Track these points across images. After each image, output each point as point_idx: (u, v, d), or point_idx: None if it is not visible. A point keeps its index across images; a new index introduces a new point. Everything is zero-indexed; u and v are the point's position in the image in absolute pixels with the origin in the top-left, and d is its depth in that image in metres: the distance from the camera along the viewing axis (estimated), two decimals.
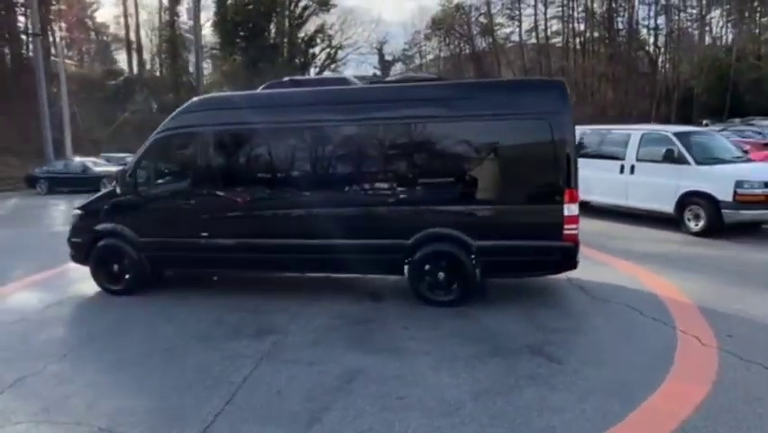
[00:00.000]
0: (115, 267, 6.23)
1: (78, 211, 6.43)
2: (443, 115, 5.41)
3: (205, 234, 5.92)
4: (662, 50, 60.97)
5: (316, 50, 53.09)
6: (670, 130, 9.52)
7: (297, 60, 49.31)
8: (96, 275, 6.34)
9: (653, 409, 3.48)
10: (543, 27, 54.21)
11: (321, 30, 52.45)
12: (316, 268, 6.05)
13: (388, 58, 75.05)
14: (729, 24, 66.03)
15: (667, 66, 57.30)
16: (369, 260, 5.65)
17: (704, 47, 59.47)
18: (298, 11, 47.18)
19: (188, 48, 41.77)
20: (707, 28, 66.45)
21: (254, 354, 4.54)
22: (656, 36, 60.87)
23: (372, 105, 5.58)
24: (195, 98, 6.30)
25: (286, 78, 6.52)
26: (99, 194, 6.57)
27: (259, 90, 6.24)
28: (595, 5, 55.58)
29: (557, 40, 55.99)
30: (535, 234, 5.29)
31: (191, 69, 42.54)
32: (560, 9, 54.25)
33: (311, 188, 5.69)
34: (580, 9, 57.28)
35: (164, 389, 3.96)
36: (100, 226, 6.21)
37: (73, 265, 7.66)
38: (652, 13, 61.28)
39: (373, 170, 5.61)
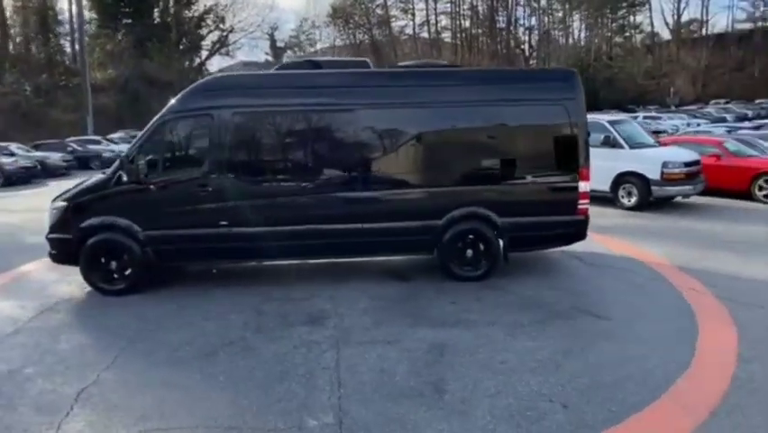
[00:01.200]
0: (113, 264, 5.56)
1: (61, 204, 5.58)
2: (474, 99, 5.69)
3: (224, 222, 5.54)
4: (535, 49, 67.41)
5: (205, 31, 49.90)
6: (603, 118, 10.82)
7: (184, 42, 45.90)
8: (88, 275, 5.60)
9: (711, 350, 4.14)
10: (434, 22, 56.91)
11: (210, 11, 49.33)
12: (348, 252, 5.98)
13: (279, 44, 73.08)
14: (585, 27, 75.08)
15: (537, 64, 63.70)
16: (402, 241, 5.77)
17: (568, 47, 66.91)
18: None
19: (62, 23, 36.66)
20: (569, 30, 74.79)
21: (325, 339, 4.47)
22: (530, 36, 67.12)
23: (406, 90, 5.66)
24: (208, 78, 5.81)
25: (299, 59, 6.27)
26: (88, 183, 5.75)
27: (273, 71, 5.95)
28: (478, 4, 59.66)
29: (447, 35, 59.11)
30: (553, 210, 5.83)
31: (68, 48, 37.41)
32: (449, 5, 57.37)
33: (343, 171, 5.63)
34: (465, 7, 61.03)
35: (258, 382, 3.77)
36: (93, 220, 5.48)
37: (33, 266, 6.74)
38: (527, 14, 67.40)
39: (407, 153, 5.69)
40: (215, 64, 56.35)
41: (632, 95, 73.39)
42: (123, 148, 23.84)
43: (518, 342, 4.35)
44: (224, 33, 52.27)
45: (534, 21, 70.94)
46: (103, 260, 5.56)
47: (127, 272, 5.60)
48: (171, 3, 42.16)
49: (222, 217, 5.53)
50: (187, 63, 44.28)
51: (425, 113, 5.68)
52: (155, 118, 5.60)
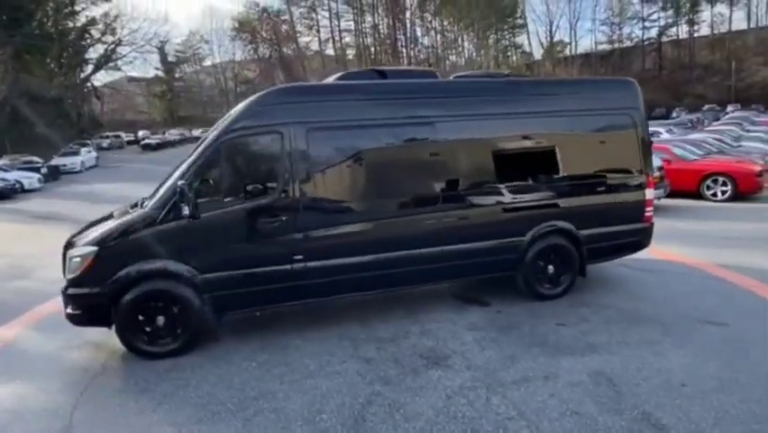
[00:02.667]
0: (161, 321, 4.43)
1: (89, 249, 4.31)
2: (549, 109, 5.48)
3: (298, 256, 4.69)
4: (433, 67, 70.77)
5: (91, 43, 45.12)
6: None
7: (66, 54, 41.02)
8: (128, 337, 4.41)
9: None
10: (338, 39, 57.07)
11: (94, 21, 44.75)
12: (432, 278, 5.35)
13: (171, 59, 68.57)
14: (473, 48, 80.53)
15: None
16: (487, 262, 5.33)
17: (462, 66, 71.10)
18: None
19: None
20: (460, 50, 79.64)
21: (472, 383, 3.89)
22: (428, 54, 70.20)
23: (489, 101, 5.30)
24: (273, 88, 4.89)
25: (364, 69, 5.56)
26: (124, 220, 4.51)
27: (333, 81, 5.21)
28: (379, 23, 61.08)
29: (351, 51, 59.61)
30: (624, 219, 5.79)
31: None
32: (351, 23, 57.97)
33: (430, 191, 5.07)
34: (366, 25, 62.16)
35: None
36: (136, 267, 4.32)
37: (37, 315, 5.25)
38: (422, 34, 70.50)
39: (492, 168, 5.28)
40: (101, 79, 51.29)
41: None
42: (17, 176, 20.49)
43: (673, 360, 4.13)
44: (111, 46, 47.83)
45: (426, 40, 74.58)
46: (144, 317, 4.40)
47: (179, 329, 4.49)
48: (52, 12, 37.36)
49: (296, 251, 4.68)
50: (76, 78, 39.51)
51: (509, 124, 5.37)
52: (210, 137, 4.61)
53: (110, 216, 5.02)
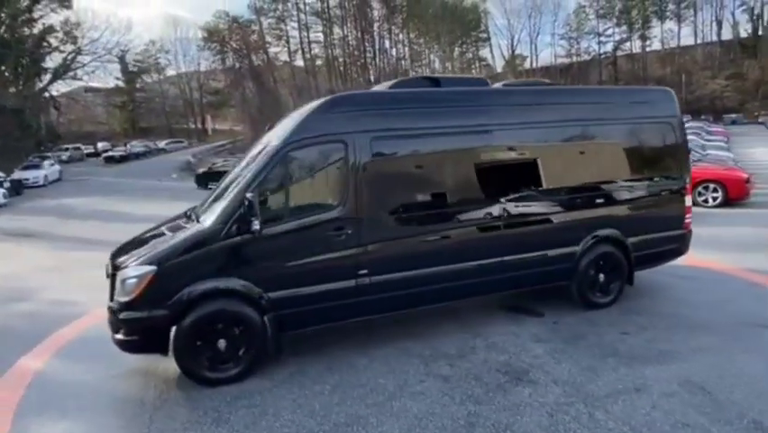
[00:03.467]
0: (222, 344, 4.11)
1: (146, 269, 3.94)
2: (600, 118, 5.50)
3: (363, 271, 4.48)
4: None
5: (48, 51, 43.15)
6: None
7: (23, 63, 39.06)
8: (188, 363, 4.06)
9: None
10: (307, 50, 56.77)
11: (52, 30, 42.88)
12: (492, 289, 5.20)
13: (132, 68, 66.62)
14: (439, 61, 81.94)
15: None
16: (544, 272, 5.26)
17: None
18: (25, 2, 37.30)
19: None
20: (427, 62, 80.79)
21: (564, 398, 3.78)
22: (397, 65, 70.93)
23: (544, 108, 5.26)
24: (334, 95, 4.66)
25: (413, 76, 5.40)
26: (184, 236, 4.16)
27: (392, 89, 5.04)
28: (348, 34, 61.22)
29: (321, 62, 59.39)
30: (668, 226, 5.86)
31: None
32: (320, 34, 57.84)
33: (493, 200, 4.96)
34: (334, 37, 62.18)
35: None
36: (198, 286, 4.00)
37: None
38: (390, 46, 71.18)
39: (549, 177, 5.22)
40: (59, 89, 49.10)
41: None
42: None
43: (751, 365, 4.16)
44: (71, 55, 45.93)
45: (394, 52, 75.41)
46: (205, 340, 4.07)
47: (241, 351, 4.18)
48: (7, 19, 35.49)
49: (361, 265, 4.46)
50: (34, 87, 37.62)
51: (564, 132, 5.37)
52: (271, 147, 4.34)
53: (155, 232, 4.67)
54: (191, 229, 4.21)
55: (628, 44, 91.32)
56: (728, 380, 3.93)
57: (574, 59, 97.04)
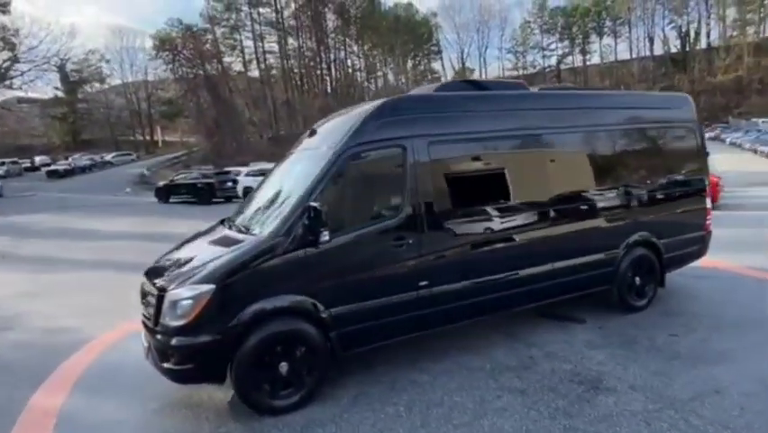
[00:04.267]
0: (284, 367, 3.74)
1: (202, 288, 3.52)
2: (632, 122, 5.58)
3: (424, 282, 4.25)
4: (357, 89, 71.58)
5: None
6: None
7: None
8: (250, 392, 3.66)
9: None
10: (262, 60, 55.70)
11: None
12: (545, 297, 5.06)
13: (73, 78, 63.19)
14: (392, 73, 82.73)
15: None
16: (589, 277, 5.23)
17: (387, 88, 72.92)
18: None
19: None
20: (381, 75, 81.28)
21: (658, 404, 3.69)
22: (351, 78, 70.98)
23: (582, 112, 5.26)
24: (388, 100, 4.40)
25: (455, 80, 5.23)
26: (242, 250, 3.73)
27: (441, 92, 4.84)
28: (303, 46, 60.60)
29: (277, 72, 58.40)
30: (692, 228, 6.00)
31: None
32: (274, 44, 56.92)
33: (545, 206, 4.87)
34: (288, 48, 61.44)
35: None
36: (264, 304, 3.64)
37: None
38: (344, 56, 71.08)
39: (595, 180, 5.21)
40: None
41: None
42: None
43: None
44: (5, 63, 42.92)
45: (349, 63, 75.55)
46: (267, 364, 3.70)
47: (305, 374, 3.83)
48: None
49: (422, 276, 4.24)
50: None
51: (602, 136, 5.39)
52: (326, 153, 4.04)
53: (193, 246, 4.26)
54: (248, 242, 3.83)
55: (570, 58, 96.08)
56: None
57: (521, 71, 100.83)
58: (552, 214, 4.92)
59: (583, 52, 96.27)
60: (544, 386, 4.06)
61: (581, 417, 3.58)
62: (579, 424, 3.49)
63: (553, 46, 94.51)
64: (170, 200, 22.89)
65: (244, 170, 23.92)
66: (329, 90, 60.30)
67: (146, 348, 3.94)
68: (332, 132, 4.39)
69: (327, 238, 3.72)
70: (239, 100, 49.75)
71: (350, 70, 67.12)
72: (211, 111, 44.24)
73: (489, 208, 4.64)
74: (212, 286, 3.54)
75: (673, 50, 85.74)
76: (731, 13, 75.72)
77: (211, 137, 43.13)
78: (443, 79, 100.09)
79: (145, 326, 3.96)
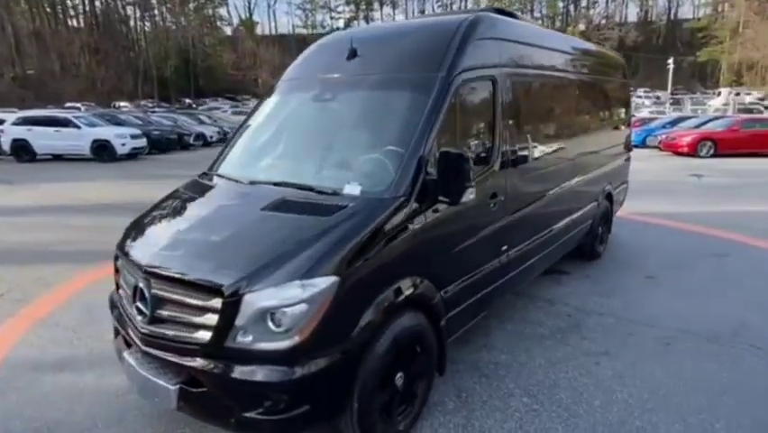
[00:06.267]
0: (399, 379, 2.67)
1: (328, 280, 2.18)
2: (605, 74, 5.75)
3: (505, 247, 3.59)
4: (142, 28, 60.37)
5: None
6: None
7: None
8: (376, 423, 2.50)
9: None
10: None
11: None
12: (563, 251, 4.93)
13: None
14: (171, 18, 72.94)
15: (143, 45, 57.47)
16: (582, 229, 5.31)
17: (169, 31, 63.31)
18: None
19: None
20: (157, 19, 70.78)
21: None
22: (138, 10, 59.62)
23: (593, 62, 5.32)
24: (474, 16, 3.26)
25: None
26: (358, 218, 2.41)
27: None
28: None
29: None
30: (625, 176, 6.64)
31: None
32: None
33: (590, 153, 5.08)
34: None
35: None
36: (389, 295, 2.47)
37: None
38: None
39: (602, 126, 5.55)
40: None
41: (226, 84, 77.87)
42: None
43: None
44: None
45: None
46: (391, 375, 2.59)
47: (417, 384, 2.82)
48: None
49: (504, 239, 3.56)
50: None
51: (598, 84, 5.52)
52: (435, 79, 2.90)
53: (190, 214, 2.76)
54: (355, 207, 2.51)
55: (356, 23, 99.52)
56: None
57: (311, 30, 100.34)
58: (590, 160, 5.00)
59: (367, 19, 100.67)
60: (608, 331, 3.96)
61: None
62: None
63: (340, 8, 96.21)
64: None
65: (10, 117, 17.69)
66: (96, 23, 49.43)
67: (156, 387, 2.36)
68: (407, 52, 3.23)
69: (473, 196, 2.72)
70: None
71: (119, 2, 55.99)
72: None
73: (560, 156, 4.30)
74: (334, 279, 2.23)
75: None
76: None
77: None
78: (228, 29, 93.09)
79: (166, 348, 2.36)
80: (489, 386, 3.31)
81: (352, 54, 3.40)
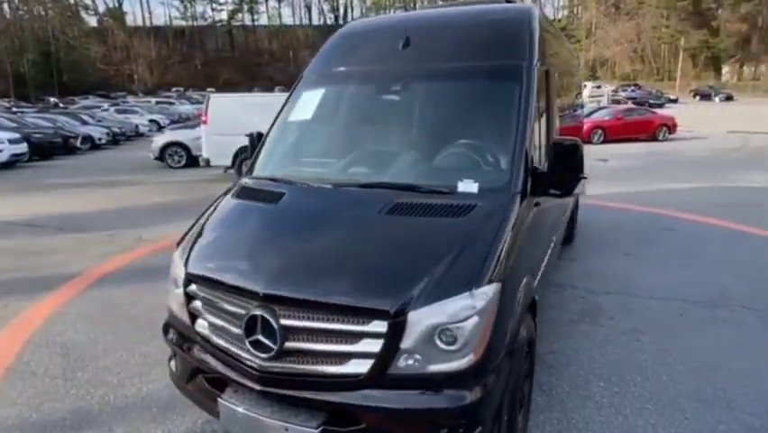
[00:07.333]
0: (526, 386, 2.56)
1: (489, 290, 1.94)
2: None
3: (554, 236, 3.63)
4: None
5: None
6: None
7: None
8: (514, 423, 2.34)
9: None
10: None
11: None
12: None
13: None
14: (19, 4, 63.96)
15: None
16: None
17: (23, 20, 55.01)
18: None
19: None
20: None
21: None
22: None
23: None
24: (530, 5, 3.12)
25: None
26: (499, 218, 2.21)
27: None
28: None
29: None
30: None
31: None
32: None
33: None
34: None
35: None
36: (526, 295, 2.35)
37: None
38: None
39: None
40: None
41: (95, 80, 70.32)
42: None
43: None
44: None
45: None
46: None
47: (527, 388, 2.72)
48: None
49: (557, 225, 3.61)
50: None
51: None
52: (523, 68, 2.78)
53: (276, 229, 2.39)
54: (487, 206, 2.30)
55: (241, 15, 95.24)
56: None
57: (190, 21, 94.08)
58: None
59: (251, 12, 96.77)
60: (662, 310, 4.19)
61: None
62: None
63: (222, 0, 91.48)
64: None
65: None
66: None
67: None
68: (477, 41, 3.06)
69: (585, 187, 2.66)
70: None
71: None
72: None
73: None
74: (498, 285, 2.03)
75: (330, 21, 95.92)
76: None
77: None
78: (94, 19, 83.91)
79: (298, 385, 2.01)
80: (562, 376, 3.32)
81: (407, 43, 3.16)
